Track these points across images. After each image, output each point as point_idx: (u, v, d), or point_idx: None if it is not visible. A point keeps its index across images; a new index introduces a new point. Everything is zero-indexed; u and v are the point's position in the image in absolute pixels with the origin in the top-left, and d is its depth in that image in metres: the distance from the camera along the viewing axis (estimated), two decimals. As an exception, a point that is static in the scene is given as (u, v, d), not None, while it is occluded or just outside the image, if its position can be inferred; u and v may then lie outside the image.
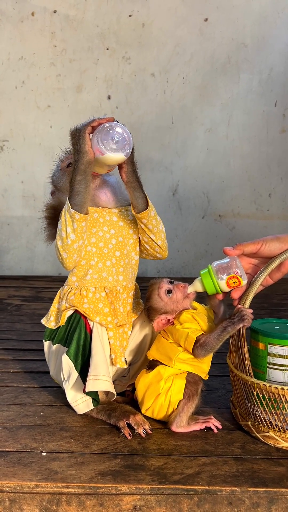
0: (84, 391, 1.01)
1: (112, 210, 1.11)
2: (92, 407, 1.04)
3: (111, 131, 0.97)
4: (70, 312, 1.07)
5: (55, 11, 2.69)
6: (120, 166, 1.04)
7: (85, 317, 1.05)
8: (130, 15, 2.70)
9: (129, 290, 1.12)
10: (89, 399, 1.03)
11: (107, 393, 1.06)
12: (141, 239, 1.12)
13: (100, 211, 1.09)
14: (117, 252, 1.09)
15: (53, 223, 1.11)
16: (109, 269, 1.08)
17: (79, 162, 0.99)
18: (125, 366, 1.08)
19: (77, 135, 0.99)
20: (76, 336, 1.04)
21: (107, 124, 0.98)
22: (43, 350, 1.17)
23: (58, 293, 1.13)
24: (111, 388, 1.02)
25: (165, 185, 2.79)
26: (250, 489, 0.81)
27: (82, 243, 1.04)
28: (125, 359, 1.08)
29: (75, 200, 1.00)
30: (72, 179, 1.00)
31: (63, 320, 1.08)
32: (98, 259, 1.07)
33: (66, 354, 1.03)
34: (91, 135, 0.99)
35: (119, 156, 0.98)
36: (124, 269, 1.10)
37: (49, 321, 1.12)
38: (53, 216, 1.12)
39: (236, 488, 0.81)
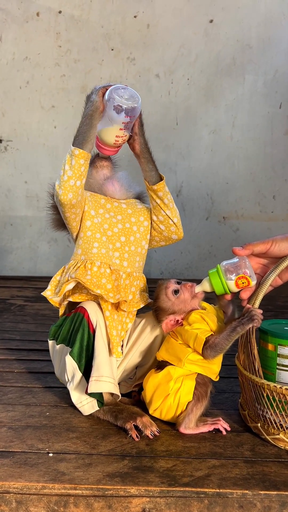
0: (86, 392, 0.99)
1: (120, 200, 1.13)
2: (97, 408, 1.02)
3: (121, 89, 1.04)
4: (70, 285, 1.05)
5: (60, 12, 2.69)
6: (132, 139, 1.08)
7: (88, 317, 1.03)
8: (135, 16, 2.69)
9: (134, 278, 1.10)
10: (94, 400, 1.02)
11: (112, 393, 1.05)
12: (156, 220, 1.12)
13: (108, 198, 1.12)
14: (122, 237, 1.09)
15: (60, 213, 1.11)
16: (111, 251, 1.08)
17: (88, 109, 1.03)
18: (121, 357, 1.05)
19: (92, 92, 1.04)
20: (79, 336, 1.02)
21: (118, 84, 1.05)
22: (47, 350, 1.15)
23: (62, 267, 1.11)
24: (114, 390, 1.00)
25: (169, 186, 2.71)
26: (261, 492, 0.79)
27: (79, 184, 1.04)
28: (121, 348, 1.05)
29: (78, 140, 1.04)
30: (79, 125, 1.04)
31: (61, 292, 1.06)
32: (101, 235, 1.08)
33: (70, 354, 1.02)
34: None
35: (129, 106, 1.02)
36: (129, 256, 1.09)
37: (45, 291, 1.11)
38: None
39: (247, 491, 0.79)
